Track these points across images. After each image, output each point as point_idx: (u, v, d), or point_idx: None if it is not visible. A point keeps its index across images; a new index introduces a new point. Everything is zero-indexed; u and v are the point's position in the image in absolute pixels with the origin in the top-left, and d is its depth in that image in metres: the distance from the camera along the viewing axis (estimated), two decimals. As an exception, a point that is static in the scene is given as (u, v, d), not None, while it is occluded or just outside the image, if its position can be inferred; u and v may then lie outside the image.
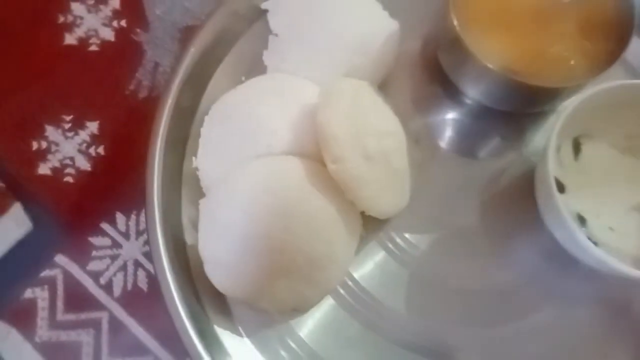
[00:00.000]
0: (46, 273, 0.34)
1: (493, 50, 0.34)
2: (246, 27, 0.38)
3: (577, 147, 0.34)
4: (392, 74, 0.38)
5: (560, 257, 0.33)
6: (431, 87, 0.39)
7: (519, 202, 0.35)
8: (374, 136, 0.32)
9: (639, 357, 0.34)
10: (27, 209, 0.35)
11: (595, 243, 0.32)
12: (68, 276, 0.34)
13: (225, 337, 0.32)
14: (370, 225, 0.34)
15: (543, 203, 0.33)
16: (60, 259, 0.34)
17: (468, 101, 0.38)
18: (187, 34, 0.39)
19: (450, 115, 0.39)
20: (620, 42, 0.33)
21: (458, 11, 0.34)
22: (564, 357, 0.34)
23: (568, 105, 0.31)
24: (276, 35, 0.37)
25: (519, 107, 0.37)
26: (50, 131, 0.37)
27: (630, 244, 0.32)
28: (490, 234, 0.36)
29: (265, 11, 0.38)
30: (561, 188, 0.33)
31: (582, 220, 0.33)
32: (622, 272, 0.30)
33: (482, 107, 0.38)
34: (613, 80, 0.32)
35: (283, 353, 0.32)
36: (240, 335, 0.32)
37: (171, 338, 0.32)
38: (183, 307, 0.31)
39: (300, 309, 0.32)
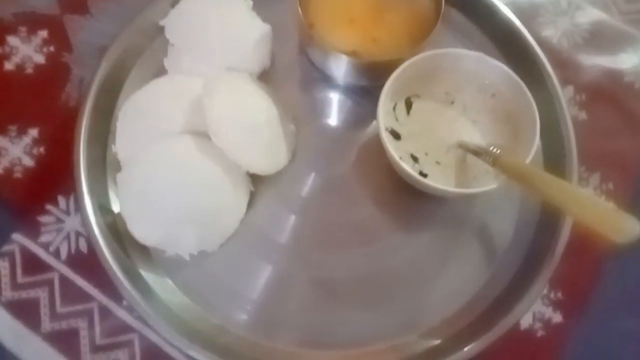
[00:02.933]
0: (5, 248, 0.41)
1: (342, 38, 0.43)
2: (149, 41, 0.47)
3: (409, 105, 0.44)
4: (273, 66, 0.47)
5: (408, 191, 0.43)
6: (305, 74, 0.48)
7: (376, 153, 0.44)
8: (247, 113, 0.41)
9: (477, 259, 0.43)
10: None
11: (426, 175, 0.42)
12: (23, 249, 0.42)
13: (150, 279, 0.40)
14: (261, 182, 0.43)
15: (386, 149, 0.42)
16: (16, 236, 0.42)
17: (334, 81, 0.47)
18: (104, 51, 0.46)
19: (321, 94, 0.48)
20: (433, 22, 0.43)
21: (307, 12, 0.43)
22: (417, 268, 0.42)
23: (393, 74, 0.41)
24: (172, 45, 0.45)
25: (369, 80, 0.46)
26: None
27: (452, 172, 0.42)
28: (355, 180, 0.45)
29: (163, 27, 0.46)
30: (397, 136, 0.43)
31: (415, 159, 0.42)
32: (447, 192, 0.39)
33: (344, 84, 0.47)
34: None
35: (196, 285, 0.41)
36: (162, 275, 0.41)
37: (109, 285, 0.40)
38: (111, 259, 0.39)
39: (206, 249, 0.41)
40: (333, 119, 0.48)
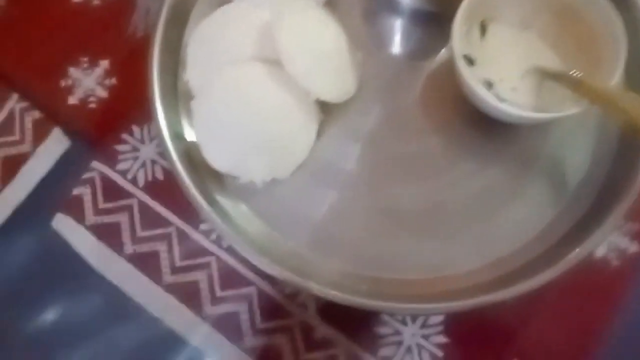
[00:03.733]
0: (86, 175, 0.44)
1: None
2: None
3: (483, 29, 0.42)
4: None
5: (479, 122, 0.42)
6: (371, 0, 0.47)
7: (444, 82, 0.43)
8: (317, 39, 0.41)
9: (552, 191, 0.42)
10: (65, 130, 0.45)
11: (502, 100, 0.41)
12: (103, 176, 0.44)
13: (226, 203, 0.41)
14: (329, 111, 0.43)
15: (458, 76, 0.41)
16: (95, 164, 0.44)
17: (403, 8, 0.46)
18: None
19: (390, 22, 0.46)
20: None
21: None
22: (489, 200, 0.42)
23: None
24: (239, -26, 0.45)
25: (439, 5, 0.44)
26: (72, 71, 0.46)
27: (529, 97, 0.40)
28: (423, 110, 0.44)
29: (230, -46, 0.46)
30: (471, 62, 0.41)
31: (489, 85, 0.41)
32: (525, 117, 0.38)
33: (414, 12, 0.46)
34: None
35: (269, 211, 0.42)
36: (236, 201, 0.42)
37: (186, 211, 0.42)
38: (192, 186, 0.40)
39: (277, 176, 0.41)
40: (399, 48, 0.46)
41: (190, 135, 0.43)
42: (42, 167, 0.44)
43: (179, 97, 0.43)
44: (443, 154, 0.43)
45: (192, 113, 0.41)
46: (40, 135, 0.44)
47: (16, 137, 0.45)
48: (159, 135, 0.42)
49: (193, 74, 0.42)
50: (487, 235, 0.42)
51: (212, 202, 0.41)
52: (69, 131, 0.45)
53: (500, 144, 0.43)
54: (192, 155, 0.42)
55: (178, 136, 0.42)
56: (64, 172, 0.44)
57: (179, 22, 0.45)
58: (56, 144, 0.44)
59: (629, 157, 0.41)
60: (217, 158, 0.41)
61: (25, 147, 0.44)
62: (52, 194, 0.44)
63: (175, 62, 0.44)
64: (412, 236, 0.42)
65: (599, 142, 0.42)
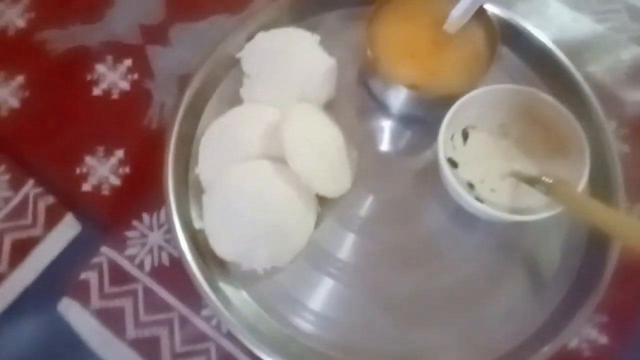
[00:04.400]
0: (95, 260, 0.45)
1: (402, 72, 0.47)
2: (226, 72, 0.51)
3: (465, 135, 0.47)
4: (336, 97, 0.51)
5: (463, 217, 0.46)
6: (365, 104, 0.52)
7: (432, 180, 0.47)
8: (318, 139, 0.45)
9: (527, 283, 0.46)
10: (77, 216, 0.47)
11: (482, 201, 0.45)
12: (111, 261, 0.45)
13: (228, 290, 0.44)
14: (327, 204, 0.47)
15: (442, 177, 0.45)
16: (104, 249, 0.46)
17: (391, 111, 0.51)
18: (182, 79, 0.51)
19: (380, 122, 0.51)
20: (488, 62, 0.46)
21: (373, 47, 0.47)
22: (470, 289, 0.45)
23: (453, 107, 0.45)
24: (248, 75, 0.50)
25: (426, 111, 0.50)
26: (88, 159, 0.49)
27: (507, 199, 0.45)
28: (412, 204, 0.48)
29: (239, 59, 0.51)
30: (454, 165, 0.46)
31: (471, 186, 0.45)
32: (502, 218, 0.42)
33: (401, 114, 0.51)
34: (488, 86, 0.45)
35: (268, 298, 0.44)
36: (238, 288, 0.45)
37: (188, 296, 0.44)
38: (198, 272, 0.43)
39: (278, 264, 0.44)
40: (390, 146, 0.51)
41: (197, 224, 0.46)
42: (52, 252, 0.46)
43: (189, 188, 0.47)
44: (429, 244, 0.47)
45: (203, 206, 0.44)
46: (52, 220, 0.47)
47: (28, 221, 0.47)
48: (169, 223, 0.45)
49: (204, 169, 0.46)
50: (469, 325, 0.45)
51: (215, 289, 0.43)
52: (81, 217, 0.47)
53: (481, 238, 0.47)
54: (198, 243, 0.45)
55: (187, 225, 0.45)
56: (73, 256, 0.46)
57: (193, 118, 0.49)
58: (68, 229, 0.47)
59: (596, 253, 0.45)
60: (223, 247, 0.44)
61: (36, 231, 0.46)
62: (60, 277, 0.45)
63: (187, 155, 0.48)
64: (399, 321, 0.45)
65: (569, 239, 0.47)
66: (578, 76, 0.50)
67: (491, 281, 0.46)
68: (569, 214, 0.44)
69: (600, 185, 0.47)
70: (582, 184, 0.42)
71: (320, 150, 0.45)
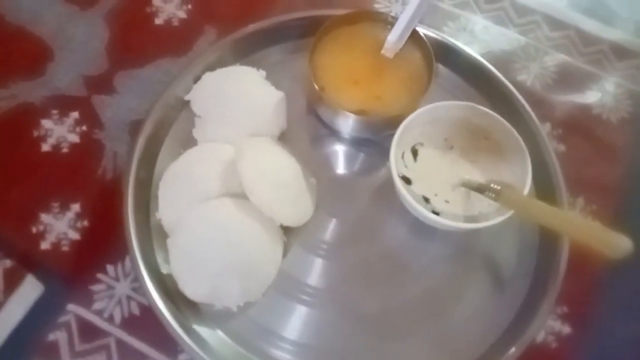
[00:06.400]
0: (62, 319, 0.44)
1: (348, 98, 0.49)
2: (176, 114, 0.52)
3: (415, 153, 0.49)
4: (288, 128, 0.52)
5: (421, 228, 0.48)
6: (317, 131, 0.53)
7: (389, 196, 0.49)
8: (276, 171, 0.46)
9: (490, 285, 0.48)
10: (38, 276, 0.46)
11: (437, 213, 0.47)
12: (79, 317, 0.44)
13: (203, 331, 0.44)
14: (291, 233, 0.48)
15: (399, 194, 0.47)
16: (70, 306, 0.45)
17: (342, 136, 0.53)
18: (133, 126, 0.52)
19: (333, 147, 0.53)
20: (428, 81, 0.49)
21: (317, 78, 0.49)
22: (437, 298, 0.47)
23: (400, 127, 0.47)
24: (199, 116, 0.51)
25: (374, 134, 0.52)
26: (44, 217, 0.48)
27: (461, 208, 0.48)
28: (373, 222, 0.50)
29: (188, 101, 0.52)
30: (408, 181, 0.48)
31: (426, 199, 0.48)
32: (459, 228, 0.45)
33: (353, 138, 0.53)
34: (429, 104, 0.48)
35: (244, 334, 0.45)
36: (213, 328, 0.44)
37: (163, 343, 0.44)
38: (170, 318, 0.42)
39: (250, 299, 0.45)
40: (346, 170, 0.53)
41: (164, 269, 0.46)
42: (15, 316, 0.44)
43: (152, 233, 0.47)
44: (392, 259, 0.49)
45: (168, 250, 0.44)
46: (12, 283, 0.45)
47: (-14, 288, 0.45)
48: (135, 271, 0.45)
49: (165, 212, 0.46)
50: (440, 332, 0.46)
51: (189, 332, 0.43)
52: (42, 276, 0.46)
53: (440, 247, 0.50)
54: (167, 287, 0.45)
55: (154, 270, 0.45)
56: (38, 318, 0.45)
57: (149, 163, 0.49)
58: (30, 290, 0.45)
59: (549, 249, 0.48)
60: (193, 289, 0.44)
61: (-4, 298, 0.45)
62: (26, 341, 0.44)
63: (147, 200, 0.48)
64: (375, 338, 0.46)
65: (523, 239, 0.50)
66: (509, 85, 0.54)
67: (455, 287, 0.48)
68: (518, 218, 0.47)
69: (543, 186, 0.50)
70: (526, 187, 0.44)
71: (279, 182, 0.46)
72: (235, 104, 0.50)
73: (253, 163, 0.45)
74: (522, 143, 0.46)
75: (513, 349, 0.44)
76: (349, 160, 0.53)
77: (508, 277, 0.48)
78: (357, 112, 0.48)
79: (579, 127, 0.56)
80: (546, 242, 0.49)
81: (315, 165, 0.52)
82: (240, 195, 0.45)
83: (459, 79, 0.56)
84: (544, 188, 0.50)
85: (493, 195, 0.45)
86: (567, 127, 0.56)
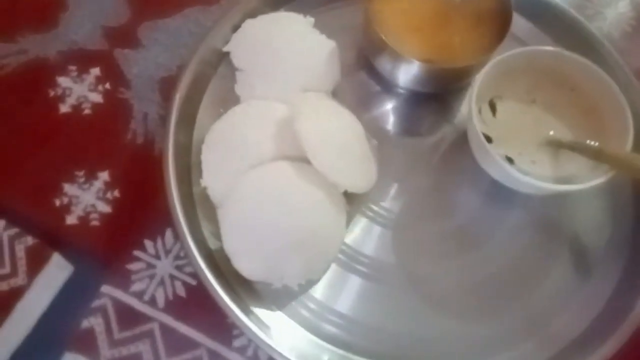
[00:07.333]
0: (96, 303, 0.39)
1: (411, 47, 0.42)
2: (214, 69, 0.45)
3: (493, 107, 0.43)
4: (341, 81, 0.46)
5: (499, 195, 0.43)
6: (371, 86, 0.47)
7: (459, 160, 0.44)
8: (338, 132, 0.40)
9: (578, 260, 0.43)
10: (65, 255, 0.40)
11: (525, 174, 0.41)
12: (115, 301, 0.39)
13: (262, 313, 0.38)
14: (353, 201, 0.41)
15: (478, 154, 0.41)
16: (105, 288, 0.39)
17: (401, 91, 0.47)
18: (163, 84, 0.46)
19: (391, 105, 0.47)
20: (504, 25, 0.42)
21: (379, 23, 0.43)
22: (518, 273, 0.42)
23: (477, 77, 0.41)
24: (241, 70, 0.44)
25: (441, 87, 0.46)
26: (68, 188, 0.42)
27: (548, 169, 0.42)
28: (442, 188, 0.44)
29: (228, 53, 0.45)
30: (488, 140, 0.42)
31: (510, 160, 0.42)
32: (547, 189, 0.39)
33: (413, 93, 0.47)
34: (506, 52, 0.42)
35: (306, 314, 0.39)
36: (272, 309, 0.39)
37: (215, 328, 0.38)
38: (226, 297, 0.37)
39: (312, 277, 0.39)
40: (406, 130, 0.47)
41: (212, 243, 0.40)
42: (42, 301, 0.38)
43: (196, 204, 0.41)
44: (466, 231, 0.43)
45: (219, 222, 0.38)
46: (36, 264, 0.39)
47: (6, 269, 0.39)
48: (183, 247, 0.38)
49: (211, 181, 0.40)
50: (527, 309, 0.41)
51: (248, 314, 0.37)
52: (70, 255, 0.40)
53: (520, 216, 0.44)
54: (217, 265, 0.39)
55: (202, 246, 0.39)
56: (69, 303, 0.39)
57: (187, 125, 0.43)
58: (57, 271, 0.39)
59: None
60: (249, 267, 0.38)
61: (18, 281, 0.39)
62: (57, 330, 0.38)
63: (188, 167, 0.42)
64: (453, 318, 0.41)
65: (616, 204, 0.44)
66: (593, 31, 0.47)
67: (540, 260, 0.42)
68: (619, 177, 0.41)
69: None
70: (629, 142, 0.38)
71: (341, 144, 0.40)
72: (283, 56, 0.44)
73: (313, 122, 0.39)
74: (621, 95, 0.40)
75: (617, 332, 0.38)
76: (409, 118, 0.47)
77: (601, 247, 0.43)
78: (424, 61, 0.42)
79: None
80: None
81: (371, 125, 0.45)
82: (297, 159, 0.39)
83: (531, 26, 0.50)
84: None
85: (592, 153, 0.39)
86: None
